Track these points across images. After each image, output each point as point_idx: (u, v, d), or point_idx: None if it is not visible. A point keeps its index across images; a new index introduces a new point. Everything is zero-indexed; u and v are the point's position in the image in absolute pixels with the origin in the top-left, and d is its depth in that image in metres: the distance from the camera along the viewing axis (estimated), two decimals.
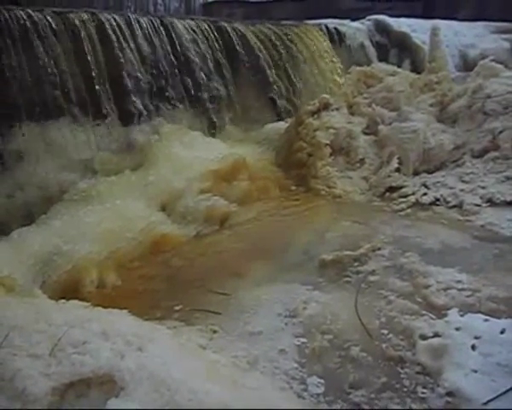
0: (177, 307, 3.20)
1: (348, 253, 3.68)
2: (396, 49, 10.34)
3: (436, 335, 2.62)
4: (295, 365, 2.52)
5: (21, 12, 5.04)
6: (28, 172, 4.83)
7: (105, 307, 2.90)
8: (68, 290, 3.43)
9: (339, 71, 8.14)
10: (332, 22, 9.84)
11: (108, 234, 4.18)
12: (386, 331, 2.75)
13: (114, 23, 5.61)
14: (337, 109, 5.85)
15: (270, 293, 3.30)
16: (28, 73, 4.97)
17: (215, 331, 2.86)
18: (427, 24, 10.24)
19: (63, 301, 2.86)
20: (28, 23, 4.95)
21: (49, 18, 5.20)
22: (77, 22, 5.36)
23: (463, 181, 4.90)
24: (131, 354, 2.22)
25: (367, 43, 9.81)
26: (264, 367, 2.49)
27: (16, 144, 4.92)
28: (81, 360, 2.18)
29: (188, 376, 2.08)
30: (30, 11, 5.09)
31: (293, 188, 5.33)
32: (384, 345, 2.63)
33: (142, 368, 2.13)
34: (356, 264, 3.58)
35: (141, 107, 5.71)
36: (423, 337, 2.62)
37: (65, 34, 5.25)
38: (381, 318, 2.88)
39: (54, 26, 5.20)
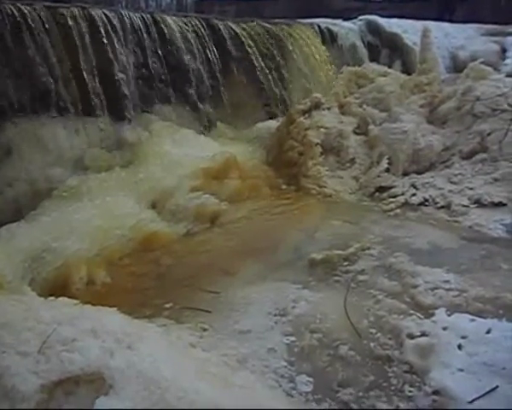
0: (167, 305, 3.20)
1: (338, 252, 3.70)
2: (387, 49, 10.40)
3: (423, 334, 2.65)
4: (284, 363, 2.54)
5: (11, 6, 4.98)
6: (17, 167, 4.79)
7: (94, 304, 2.89)
8: (57, 287, 3.41)
9: (330, 70, 8.17)
10: (324, 22, 9.86)
11: (98, 231, 4.16)
12: (374, 331, 2.78)
13: (106, 19, 5.57)
14: (328, 109, 5.89)
15: (260, 292, 3.31)
16: (18, 68, 4.92)
17: (205, 330, 2.86)
18: (419, 25, 10.31)
19: (52, 298, 2.85)
20: (19, 17, 4.90)
21: (40, 12, 5.15)
22: (68, 17, 5.31)
23: (452, 182, 4.95)
24: (121, 352, 2.22)
25: (359, 43, 9.86)
26: (254, 366, 2.51)
27: (5, 139, 4.87)
28: (70, 357, 2.18)
29: (178, 374, 2.08)
30: (20, 5, 5.03)
31: (284, 187, 5.35)
32: (372, 344, 2.66)
33: (131, 366, 2.13)
34: (345, 263, 3.61)
35: (131, 104, 5.69)
36: (411, 337, 2.65)
37: (55, 29, 5.20)
38: (369, 317, 2.91)
39: (44, 20, 5.15)
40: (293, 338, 2.75)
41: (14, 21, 4.93)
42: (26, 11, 5.07)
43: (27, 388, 2.04)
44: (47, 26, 5.16)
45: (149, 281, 3.65)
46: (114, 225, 4.23)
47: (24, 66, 4.97)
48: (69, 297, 3.04)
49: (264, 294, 3.26)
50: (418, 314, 2.87)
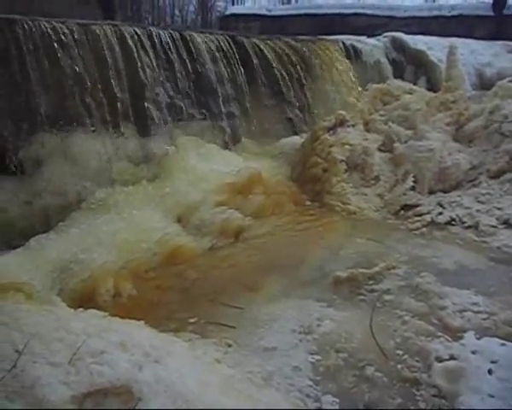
0: (191, 320, 3.22)
1: (363, 271, 3.67)
2: (412, 66, 10.36)
3: (452, 357, 2.60)
4: (310, 382, 2.52)
5: (45, 23, 5.16)
6: (47, 179, 4.91)
7: (121, 316, 2.94)
8: (85, 299, 3.48)
9: (355, 87, 8.18)
10: (349, 38, 9.89)
11: (124, 244, 4.23)
12: (401, 352, 2.74)
13: (136, 36, 5.71)
14: (353, 126, 5.88)
15: (284, 308, 3.30)
16: (51, 83, 5.08)
17: (230, 345, 2.87)
18: (444, 42, 10.27)
19: (81, 309, 2.90)
20: (52, 34, 5.07)
21: (72, 29, 5.32)
22: (99, 34, 5.46)
23: (479, 201, 4.87)
24: (149, 366, 2.25)
25: (383, 59, 9.84)
26: (279, 384, 2.50)
27: (36, 152, 5.01)
28: (99, 369, 2.21)
29: (204, 390, 2.09)
30: (54, 22, 5.21)
31: (308, 203, 5.35)
32: (399, 366, 2.63)
33: (159, 380, 2.15)
34: (370, 282, 3.57)
35: (158, 118, 5.79)
36: (439, 360, 2.60)
37: (87, 46, 5.36)
38: (396, 338, 2.87)
39: (77, 37, 5.31)
40: (318, 357, 2.73)
41: (47, 38, 5.11)
42: (59, 28, 5.25)
43: (58, 398, 2.08)
44: (79, 42, 5.33)
45: (174, 295, 3.68)
46: (140, 239, 4.29)
47: (56, 80, 5.13)
48: (96, 309, 3.10)
49: (289, 311, 3.26)
50: (446, 337, 2.82)
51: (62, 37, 5.12)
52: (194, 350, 2.65)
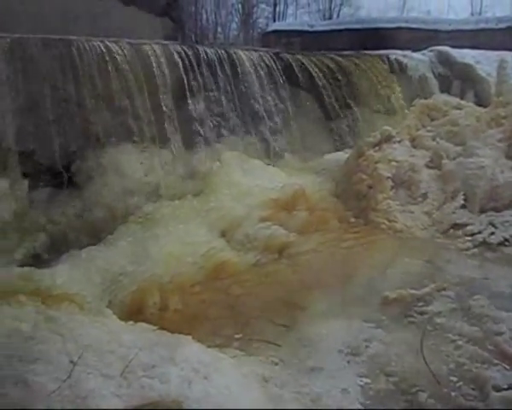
0: (237, 336, 3.22)
1: (412, 292, 3.57)
2: (459, 80, 10.10)
3: (511, 387, 2.47)
4: (359, 406, 2.46)
5: (99, 42, 5.39)
6: (97, 193, 5.08)
7: (167, 330, 2.98)
8: (133, 311, 3.54)
9: (400, 103, 8.06)
10: (393, 53, 9.77)
11: (171, 257, 4.30)
12: (455, 379, 2.63)
13: (183, 54, 5.87)
14: (399, 142, 5.77)
15: (330, 328, 3.24)
16: (103, 100, 5.29)
17: (276, 364, 2.84)
18: (492, 55, 9.98)
19: (131, 322, 2.95)
20: (106, 53, 5.28)
21: (124, 48, 5.53)
22: (149, 53, 5.65)
23: None
24: (198, 382, 2.26)
25: (429, 74, 9.65)
26: (328, 406, 2.45)
27: (87, 167, 5.21)
28: (150, 383, 2.24)
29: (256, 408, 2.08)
30: (107, 42, 5.43)
31: (353, 220, 5.27)
32: (454, 393, 2.52)
33: (208, 397, 2.16)
34: (420, 304, 3.46)
35: (204, 134, 5.90)
36: (497, 389, 2.48)
37: (138, 64, 5.54)
38: (449, 363, 2.76)
39: (128, 56, 5.52)
40: (367, 380, 2.66)
41: (101, 57, 5.33)
42: (111, 47, 5.47)
43: None
44: (130, 60, 5.53)
45: (219, 310, 3.69)
46: (186, 252, 4.35)
47: (108, 98, 5.33)
48: (144, 321, 3.16)
49: (335, 331, 3.19)
50: (504, 365, 2.69)
51: (115, 56, 5.32)
52: (242, 368, 2.64)
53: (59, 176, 5.08)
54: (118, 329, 2.73)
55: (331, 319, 3.37)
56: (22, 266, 4.07)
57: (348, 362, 2.83)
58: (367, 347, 2.96)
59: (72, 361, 2.32)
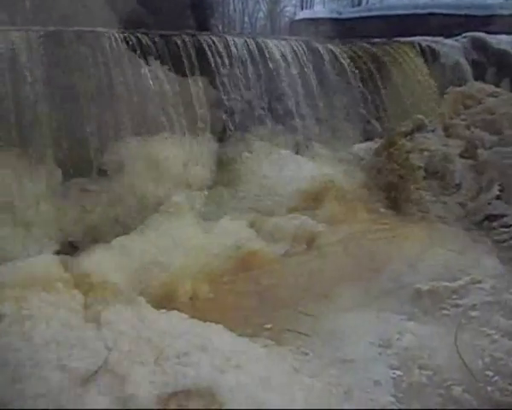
0: (267, 326, 3.22)
1: (445, 284, 3.49)
2: (494, 67, 9.75)
3: None
4: (392, 399, 2.43)
5: (131, 34, 5.44)
6: (128, 183, 5.15)
7: (198, 319, 3.01)
8: (164, 300, 3.59)
9: (432, 90, 7.84)
10: (425, 40, 9.49)
11: (200, 247, 4.33)
12: (491, 373, 2.57)
13: (212, 44, 5.87)
14: (432, 131, 5.64)
15: (361, 319, 3.22)
16: (134, 91, 5.34)
17: (306, 354, 2.84)
18: None
19: (164, 310, 3.00)
20: (136, 45, 5.33)
21: (154, 39, 5.57)
22: (179, 43, 5.67)
23: None
24: (230, 371, 2.28)
25: (462, 61, 9.33)
26: (360, 398, 2.43)
27: (119, 157, 5.28)
28: (183, 371, 2.28)
29: (286, 400, 2.08)
30: (138, 34, 5.48)
31: (383, 211, 5.18)
32: (490, 388, 2.46)
33: (240, 386, 2.18)
34: (454, 296, 3.39)
35: (233, 124, 5.90)
36: None
37: (167, 55, 5.58)
38: (484, 358, 2.70)
39: (158, 47, 5.55)
40: (399, 372, 2.63)
41: (131, 48, 5.39)
42: (142, 39, 5.52)
43: (145, 397, 2.16)
44: (160, 52, 5.56)
45: (249, 300, 3.71)
46: (215, 242, 4.37)
47: (139, 89, 5.38)
48: (175, 310, 3.20)
49: (366, 322, 3.17)
50: None
51: (145, 48, 5.36)
52: (272, 357, 2.65)
53: (91, 166, 5.17)
54: (151, 317, 2.78)
55: (362, 311, 3.34)
56: (57, 254, 4.19)
57: (380, 354, 2.81)
58: (399, 339, 2.92)
59: (107, 347, 2.38)
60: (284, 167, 5.60)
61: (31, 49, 4.75)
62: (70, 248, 4.51)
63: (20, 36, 4.77)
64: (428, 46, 9.09)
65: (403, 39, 9.16)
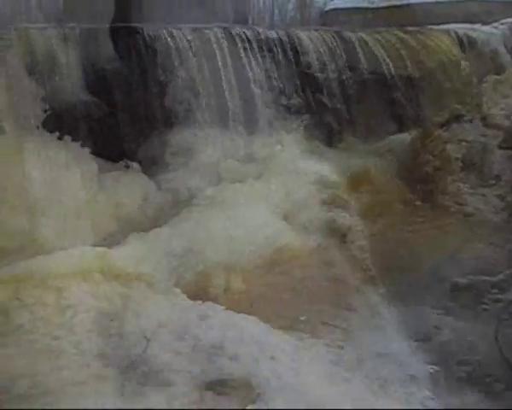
0: (301, 318, 3.21)
1: (484, 278, 3.40)
2: None
3: None
4: (429, 394, 2.39)
5: (163, 30, 5.50)
6: (162, 176, 5.23)
7: (233, 310, 3.03)
8: (198, 291, 3.62)
9: (470, 79, 7.60)
10: (461, 27, 9.21)
11: (233, 240, 4.34)
12: None
13: (244, 37, 5.86)
14: (470, 121, 5.47)
15: (398, 313, 3.18)
16: (167, 85, 5.41)
17: (342, 348, 2.82)
18: None
19: (200, 302, 3.03)
20: (169, 40, 5.38)
21: (186, 33, 5.61)
22: (211, 37, 5.69)
23: None
24: (266, 362, 2.29)
25: (501, 48, 9.01)
26: (396, 393, 2.40)
27: (153, 151, 5.37)
28: (220, 361, 2.30)
29: (324, 392, 2.08)
30: (171, 28, 5.53)
31: (419, 203, 5.07)
32: None
33: (277, 378, 2.19)
34: (494, 291, 3.30)
35: (265, 117, 5.88)
36: None
37: (200, 48, 5.60)
38: None
39: (190, 40, 5.59)
40: (437, 368, 2.59)
41: (164, 43, 5.45)
42: (174, 33, 5.57)
43: (182, 385, 2.20)
44: (192, 45, 5.60)
45: (282, 292, 3.70)
46: (248, 235, 4.37)
47: (170, 82, 5.44)
48: (209, 301, 3.23)
49: (402, 316, 3.13)
50: None
51: (178, 42, 5.41)
52: (308, 350, 2.65)
53: (126, 160, 5.27)
54: (187, 307, 2.82)
55: (397, 305, 3.30)
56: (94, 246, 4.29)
57: (417, 348, 2.77)
58: (436, 334, 2.88)
59: (146, 337, 2.43)
60: (316, 160, 5.54)
61: None
62: (106, 240, 4.62)
63: None
64: (465, 34, 8.81)
65: (438, 27, 8.90)
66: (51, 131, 4.68)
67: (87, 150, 4.87)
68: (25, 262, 3.26)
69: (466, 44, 8.48)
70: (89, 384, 2.24)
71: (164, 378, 2.21)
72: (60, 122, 4.76)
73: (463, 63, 7.66)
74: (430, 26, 8.96)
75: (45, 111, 4.65)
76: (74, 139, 4.79)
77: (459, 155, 5.12)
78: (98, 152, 5.00)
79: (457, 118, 5.49)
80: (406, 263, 3.91)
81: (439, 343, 2.78)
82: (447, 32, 8.54)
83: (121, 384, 2.20)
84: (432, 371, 2.57)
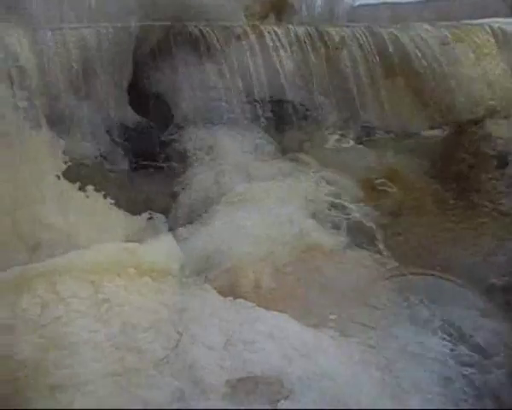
0: (331, 317, 3.19)
1: None
2: None
3: None
4: (465, 397, 2.34)
5: (193, 27, 5.55)
6: (191, 173, 5.28)
7: (263, 307, 3.04)
8: (228, 288, 3.64)
9: (505, 75, 7.38)
10: (496, 21, 8.95)
11: (262, 237, 4.35)
12: None
13: (274, 33, 5.85)
14: (505, 117, 5.32)
15: (429, 313, 3.12)
16: (195, 82, 5.46)
17: (373, 347, 2.79)
18: None
19: (230, 298, 3.05)
20: (200, 37, 5.43)
21: (214, 31, 5.65)
22: (240, 34, 5.71)
23: None
24: (298, 360, 2.29)
25: None
26: (429, 394, 2.36)
27: (182, 148, 5.43)
28: (251, 358, 2.32)
29: (357, 392, 2.06)
30: (201, 26, 5.58)
31: (452, 202, 4.95)
32: None
33: (309, 376, 2.18)
34: None
35: (294, 113, 5.86)
36: None
37: (229, 46, 5.63)
38: None
39: (219, 37, 5.63)
40: (472, 370, 2.53)
41: (194, 40, 5.50)
42: (204, 30, 5.61)
43: (215, 381, 2.22)
44: (221, 43, 5.63)
45: (312, 290, 3.68)
46: (278, 233, 4.37)
47: (198, 80, 5.49)
48: (240, 298, 3.24)
49: (434, 316, 3.06)
50: None
51: (208, 39, 5.45)
52: (339, 348, 2.63)
53: (156, 157, 5.34)
54: (218, 304, 2.84)
55: (430, 304, 3.23)
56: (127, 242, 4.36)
57: (451, 350, 2.71)
58: (472, 336, 2.80)
59: (178, 332, 2.46)
60: (347, 157, 5.50)
61: None
62: (137, 237, 4.69)
63: None
64: (500, 28, 8.55)
65: (472, 21, 8.69)
66: None
67: (119, 147, 4.96)
68: (61, 256, 3.35)
69: (501, 39, 8.25)
70: (124, 377, 2.29)
71: (196, 373, 2.24)
72: None
73: (498, 58, 7.45)
74: (464, 21, 8.76)
75: None
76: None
77: (494, 153, 4.98)
78: (130, 149, 5.10)
79: (492, 114, 5.34)
80: (438, 263, 3.83)
81: (474, 345, 2.71)
82: (481, 26, 8.32)
83: (155, 378, 2.24)
84: (467, 373, 2.51)
